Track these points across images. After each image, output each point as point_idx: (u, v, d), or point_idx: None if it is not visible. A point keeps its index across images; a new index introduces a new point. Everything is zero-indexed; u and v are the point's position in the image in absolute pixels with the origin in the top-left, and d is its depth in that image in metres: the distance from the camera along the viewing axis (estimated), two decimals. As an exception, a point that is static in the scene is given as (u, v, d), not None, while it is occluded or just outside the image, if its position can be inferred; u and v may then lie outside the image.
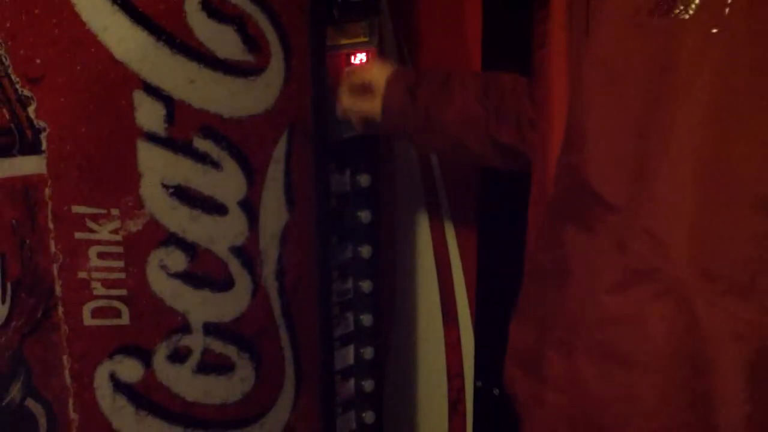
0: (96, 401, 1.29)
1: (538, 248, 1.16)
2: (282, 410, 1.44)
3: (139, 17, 1.17)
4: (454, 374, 1.82)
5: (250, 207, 1.31)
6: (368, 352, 1.58)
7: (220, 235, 1.30)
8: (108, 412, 1.30)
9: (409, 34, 1.68)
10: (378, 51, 1.48)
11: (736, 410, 0.97)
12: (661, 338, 0.99)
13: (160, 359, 1.31)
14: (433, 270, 1.78)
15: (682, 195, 0.96)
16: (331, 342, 1.53)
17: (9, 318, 1.22)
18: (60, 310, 1.25)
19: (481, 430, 1.78)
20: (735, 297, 0.95)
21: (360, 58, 1.45)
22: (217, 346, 1.34)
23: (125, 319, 1.27)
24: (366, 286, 1.55)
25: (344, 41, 1.43)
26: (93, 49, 1.16)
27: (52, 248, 1.22)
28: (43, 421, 1.28)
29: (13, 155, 1.18)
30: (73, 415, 1.29)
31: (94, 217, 1.22)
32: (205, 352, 1.33)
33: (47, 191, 1.20)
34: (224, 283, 1.32)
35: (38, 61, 1.15)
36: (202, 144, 1.25)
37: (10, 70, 1.14)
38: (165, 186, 1.24)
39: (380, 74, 1.42)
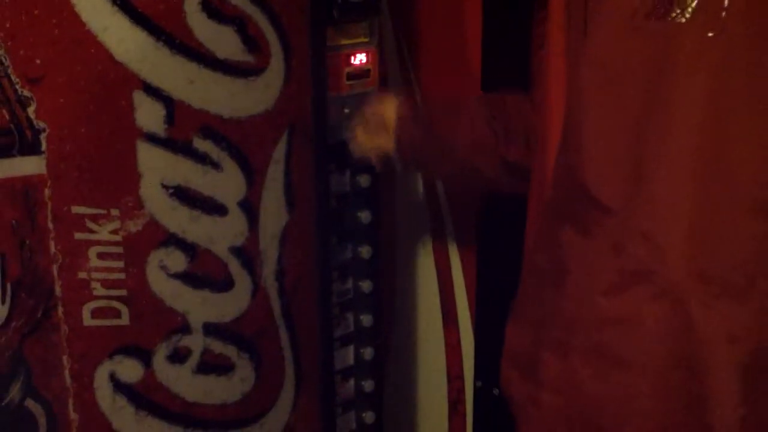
0: (96, 401, 1.29)
1: (536, 248, 1.16)
2: (282, 410, 1.44)
3: (138, 18, 1.17)
4: (454, 375, 1.82)
5: (250, 207, 1.31)
6: (368, 353, 1.58)
7: (220, 235, 1.30)
8: (108, 412, 1.30)
9: (409, 35, 1.68)
10: (378, 51, 1.48)
11: (730, 411, 0.97)
12: (656, 340, 0.99)
13: (160, 359, 1.31)
14: (432, 270, 1.78)
15: (678, 197, 0.96)
16: (331, 342, 1.53)
17: (9, 318, 1.22)
18: (60, 310, 1.25)
19: (480, 431, 1.78)
20: (730, 300, 0.95)
21: (360, 58, 1.45)
22: (217, 346, 1.34)
23: (125, 320, 1.27)
24: (366, 286, 1.55)
25: (344, 41, 1.43)
26: (93, 50, 1.16)
27: (52, 248, 1.22)
28: (42, 421, 1.28)
29: (13, 156, 1.18)
30: (73, 416, 1.29)
31: (94, 218, 1.22)
32: (205, 352, 1.33)
33: (47, 191, 1.20)
34: (224, 284, 1.32)
35: (38, 61, 1.15)
36: (201, 144, 1.25)
37: (9, 71, 1.14)
38: (165, 186, 1.24)
39: (391, 108, 1.43)
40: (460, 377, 1.81)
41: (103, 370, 1.29)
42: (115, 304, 1.26)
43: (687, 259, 0.96)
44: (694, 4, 0.92)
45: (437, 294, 1.80)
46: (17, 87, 1.15)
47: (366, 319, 1.57)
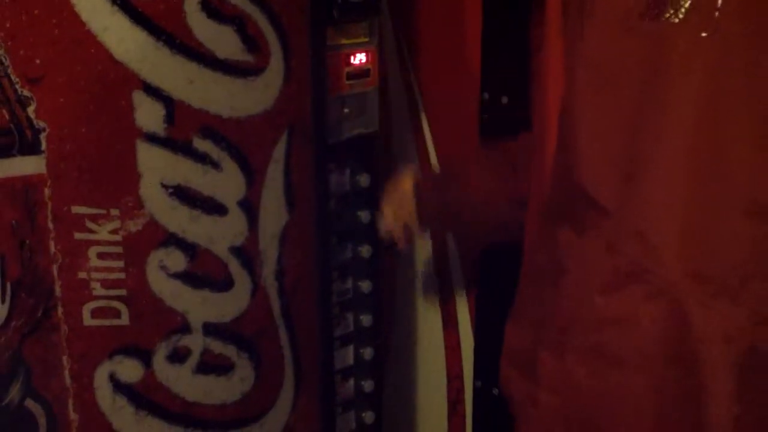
0: (96, 401, 1.29)
1: (535, 249, 1.16)
2: (281, 410, 1.44)
3: (138, 17, 1.17)
4: (454, 375, 1.82)
5: (249, 207, 1.31)
6: (368, 353, 1.58)
7: (219, 235, 1.30)
8: (108, 412, 1.30)
9: (408, 35, 1.68)
10: (378, 51, 1.48)
11: (725, 410, 0.97)
12: (652, 339, 0.99)
13: (159, 359, 1.31)
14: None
15: (673, 198, 0.96)
16: (330, 342, 1.53)
17: (9, 318, 1.22)
18: (60, 310, 1.25)
19: (480, 431, 1.78)
20: (725, 299, 0.95)
21: (360, 58, 1.45)
22: (217, 346, 1.34)
23: (125, 320, 1.27)
24: (366, 286, 1.55)
25: (344, 41, 1.43)
26: (93, 50, 1.16)
27: (52, 248, 1.22)
28: (42, 422, 1.28)
29: (13, 155, 1.18)
30: (73, 416, 1.29)
31: (94, 218, 1.22)
32: (205, 352, 1.33)
33: (47, 191, 1.20)
34: (224, 284, 1.32)
35: (38, 61, 1.15)
36: (201, 144, 1.25)
37: (9, 71, 1.14)
38: (165, 186, 1.24)
39: (408, 181, 1.46)
40: (460, 377, 1.81)
41: (103, 370, 1.29)
42: (115, 304, 1.26)
43: (682, 259, 0.96)
44: (687, 5, 0.92)
45: (437, 293, 1.80)
46: (17, 87, 1.15)
47: (366, 319, 1.57)
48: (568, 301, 1.07)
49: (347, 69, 1.44)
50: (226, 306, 1.34)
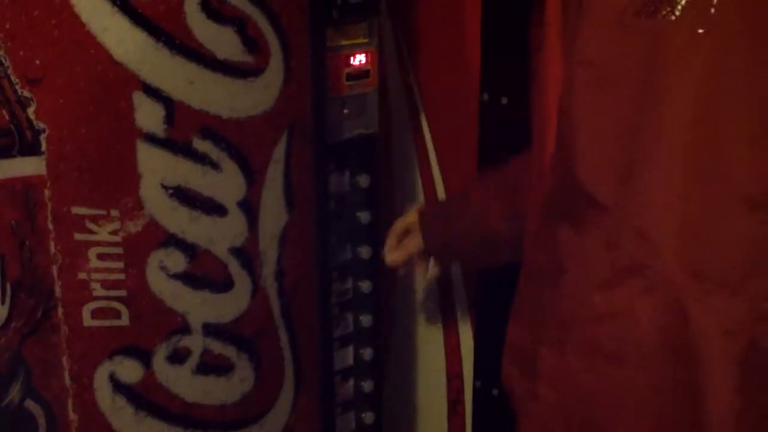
0: (95, 402, 1.29)
1: (535, 248, 1.17)
2: (281, 411, 1.44)
3: (138, 18, 1.17)
4: (453, 375, 1.82)
5: (249, 208, 1.31)
6: (368, 353, 1.58)
7: (219, 235, 1.30)
8: (108, 412, 1.30)
9: (408, 35, 1.68)
10: (377, 52, 1.48)
11: (725, 405, 0.97)
12: (650, 334, 0.99)
13: (159, 360, 1.31)
14: (432, 270, 1.78)
15: (671, 194, 0.96)
16: (330, 342, 1.53)
17: (9, 319, 1.22)
18: (60, 310, 1.25)
19: (480, 431, 1.78)
20: (724, 295, 0.95)
21: (359, 59, 1.45)
22: (217, 346, 1.34)
23: (125, 320, 1.27)
24: (365, 286, 1.55)
25: (344, 42, 1.43)
26: (93, 50, 1.16)
27: (52, 249, 1.22)
28: (42, 422, 1.28)
29: (13, 156, 1.18)
30: (73, 416, 1.30)
31: (94, 218, 1.22)
32: (205, 352, 1.33)
33: (47, 192, 1.20)
34: (224, 284, 1.32)
35: (38, 62, 1.15)
36: (201, 145, 1.25)
37: (9, 71, 1.15)
38: (164, 187, 1.24)
39: (413, 214, 1.54)
40: (459, 377, 1.81)
41: (102, 370, 1.29)
42: (115, 304, 1.26)
43: (679, 254, 0.96)
44: (683, 1, 0.92)
45: (437, 294, 1.80)
46: (17, 88, 1.15)
47: (365, 320, 1.57)
48: (568, 300, 1.07)
49: (347, 70, 1.44)
50: (226, 306, 1.34)
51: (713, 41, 0.92)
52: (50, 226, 1.21)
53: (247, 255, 1.33)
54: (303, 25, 1.31)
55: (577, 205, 1.05)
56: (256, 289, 1.35)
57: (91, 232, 1.23)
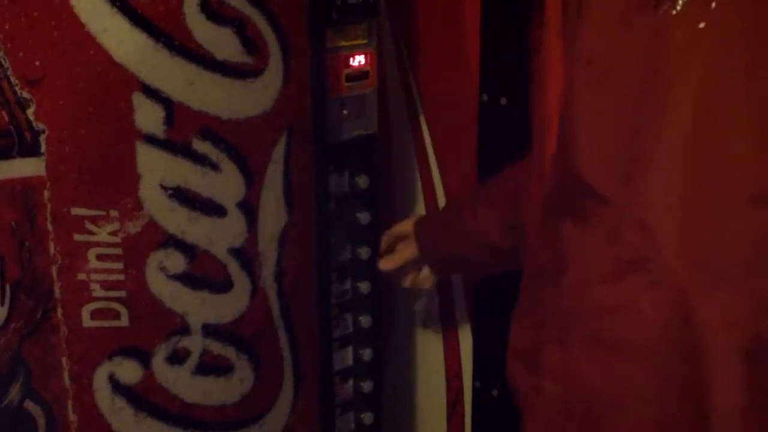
0: (95, 403, 1.29)
1: (538, 247, 1.17)
2: (281, 411, 1.44)
3: (138, 19, 1.17)
4: (453, 375, 1.82)
5: (248, 208, 1.32)
6: (367, 354, 1.59)
7: (219, 236, 1.30)
8: (107, 413, 1.30)
9: (407, 36, 1.68)
10: (377, 53, 1.48)
11: (730, 398, 0.97)
12: (654, 327, 0.99)
13: (159, 361, 1.31)
14: (431, 270, 1.78)
15: (671, 194, 0.96)
16: (330, 343, 1.53)
17: (8, 319, 1.22)
18: (59, 311, 1.25)
19: (479, 431, 1.78)
20: (728, 289, 0.95)
21: (359, 60, 1.45)
22: (216, 347, 1.34)
23: (124, 321, 1.27)
24: (365, 287, 1.55)
25: (343, 43, 1.43)
26: (92, 51, 1.16)
27: (52, 250, 1.22)
28: (42, 423, 1.28)
29: (12, 157, 1.18)
30: (72, 417, 1.30)
31: (94, 219, 1.22)
32: (204, 353, 1.33)
33: (46, 193, 1.20)
34: (223, 285, 1.32)
35: (37, 63, 1.15)
36: (201, 146, 1.25)
37: (9, 72, 1.15)
38: (164, 188, 1.24)
39: (408, 222, 1.58)
40: (459, 377, 1.81)
41: (102, 371, 1.29)
42: (115, 305, 1.26)
43: (682, 248, 0.96)
44: None
45: (436, 294, 1.80)
46: (17, 89, 1.15)
47: (365, 320, 1.57)
48: (570, 296, 1.07)
49: (346, 71, 1.44)
50: (226, 307, 1.34)
51: (713, 39, 0.92)
52: (50, 226, 1.21)
53: (246, 256, 1.33)
54: (302, 25, 1.31)
55: (578, 201, 1.05)
56: (256, 290, 1.35)
57: (90, 232, 1.23)
